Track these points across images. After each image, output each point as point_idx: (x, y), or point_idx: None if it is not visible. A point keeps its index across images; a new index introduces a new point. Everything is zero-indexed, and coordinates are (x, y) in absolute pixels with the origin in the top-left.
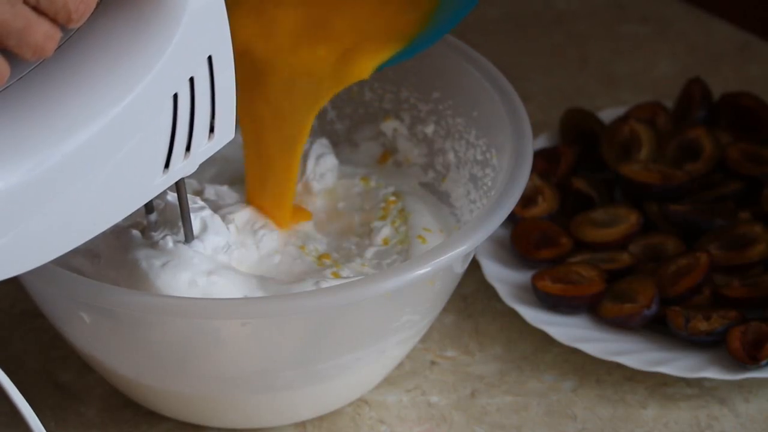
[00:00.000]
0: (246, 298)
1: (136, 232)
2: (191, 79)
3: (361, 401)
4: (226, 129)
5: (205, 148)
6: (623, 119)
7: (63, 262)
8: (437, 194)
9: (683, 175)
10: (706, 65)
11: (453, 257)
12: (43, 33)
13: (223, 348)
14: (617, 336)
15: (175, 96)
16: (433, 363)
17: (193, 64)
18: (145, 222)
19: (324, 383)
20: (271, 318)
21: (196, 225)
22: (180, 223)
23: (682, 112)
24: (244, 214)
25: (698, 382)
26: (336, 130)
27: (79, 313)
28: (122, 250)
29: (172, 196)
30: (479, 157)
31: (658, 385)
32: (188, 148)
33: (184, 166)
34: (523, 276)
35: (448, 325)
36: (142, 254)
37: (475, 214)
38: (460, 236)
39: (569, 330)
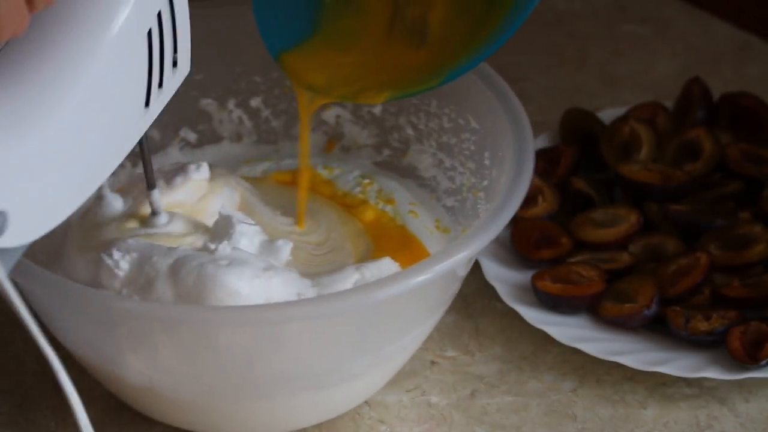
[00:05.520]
0: (317, 298)
1: (188, 248)
2: (159, 14)
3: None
4: (185, 62)
5: (172, 82)
6: (623, 119)
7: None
8: (398, 170)
9: (683, 175)
10: (705, 65)
11: (501, 223)
12: None
13: (290, 348)
14: (617, 336)
15: (149, 32)
16: (433, 363)
17: None
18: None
19: (386, 365)
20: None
21: (254, 244)
22: (231, 231)
23: (682, 112)
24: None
25: (698, 382)
26: (273, 128)
27: (156, 338)
28: (182, 263)
29: (224, 209)
30: (447, 125)
31: (658, 385)
32: (161, 84)
33: (159, 103)
34: (523, 276)
35: (448, 325)
36: (206, 259)
37: (504, 183)
38: (500, 207)
39: (569, 330)
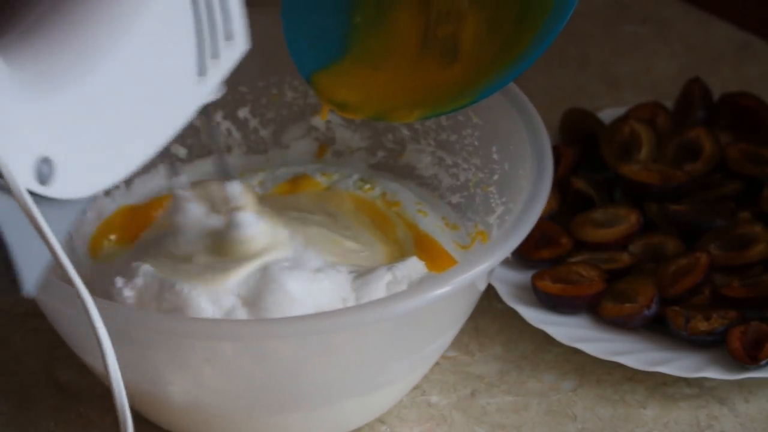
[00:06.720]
0: (357, 306)
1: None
2: None
3: None
4: (241, 37)
5: (228, 53)
6: (623, 119)
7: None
8: (396, 171)
9: (683, 175)
10: (705, 65)
11: (525, 230)
12: None
13: (335, 356)
14: (617, 336)
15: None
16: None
17: None
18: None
19: (418, 371)
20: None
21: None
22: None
23: (682, 112)
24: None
25: (698, 382)
26: (261, 138)
27: (204, 357)
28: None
29: None
30: (445, 123)
31: (658, 385)
32: (216, 55)
33: (216, 74)
34: (523, 276)
35: None
36: (269, 260)
37: (526, 193)
38: (520, 218)
39: (569, 330)
